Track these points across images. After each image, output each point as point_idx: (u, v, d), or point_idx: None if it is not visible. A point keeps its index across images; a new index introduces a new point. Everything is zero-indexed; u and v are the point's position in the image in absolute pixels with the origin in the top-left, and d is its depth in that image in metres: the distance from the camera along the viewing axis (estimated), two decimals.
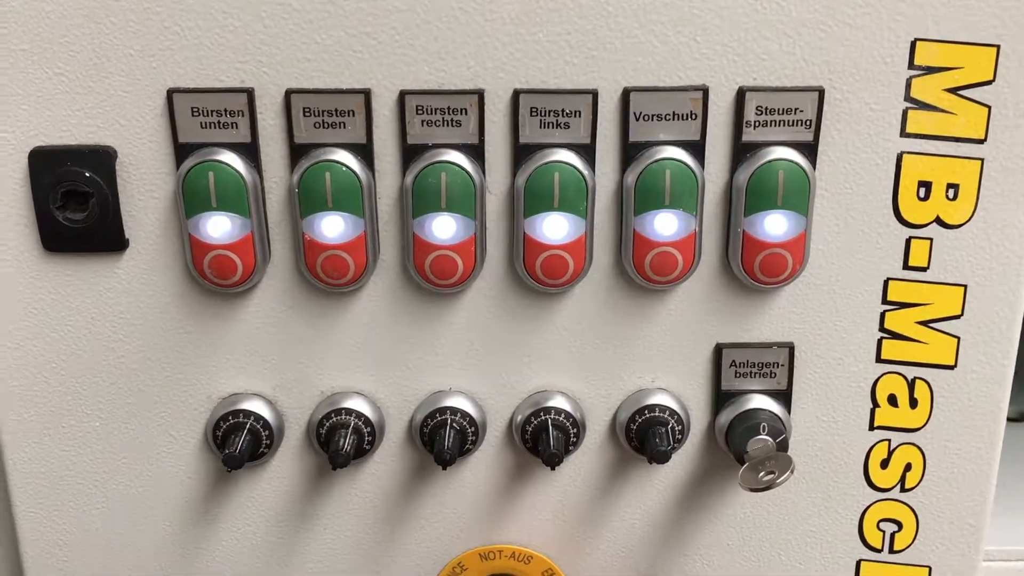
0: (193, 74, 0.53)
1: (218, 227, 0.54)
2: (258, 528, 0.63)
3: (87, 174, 0.54)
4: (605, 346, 0.59)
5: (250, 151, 0.54)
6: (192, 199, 0.54)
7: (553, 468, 0.57)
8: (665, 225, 0.55)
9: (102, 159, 0.54)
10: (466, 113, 0.54)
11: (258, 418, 0.59)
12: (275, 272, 0.57)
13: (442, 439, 0.58)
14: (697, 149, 0.55)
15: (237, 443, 0.57)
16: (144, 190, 0.55)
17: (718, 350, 0.59)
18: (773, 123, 0.54)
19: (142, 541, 0.63)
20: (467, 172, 0.54)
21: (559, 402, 0.60)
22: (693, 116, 0.54)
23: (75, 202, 0.55)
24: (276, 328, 0.58)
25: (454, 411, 0.59)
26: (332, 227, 0.55)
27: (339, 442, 0.58)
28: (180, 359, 0.59)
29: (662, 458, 0.57)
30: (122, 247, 0.56)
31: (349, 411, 0.59)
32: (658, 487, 0.63)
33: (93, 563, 0.63)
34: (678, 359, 0.60)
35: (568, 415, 0.59)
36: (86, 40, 0.52)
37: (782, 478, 0.55)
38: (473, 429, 0.59)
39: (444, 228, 0.55)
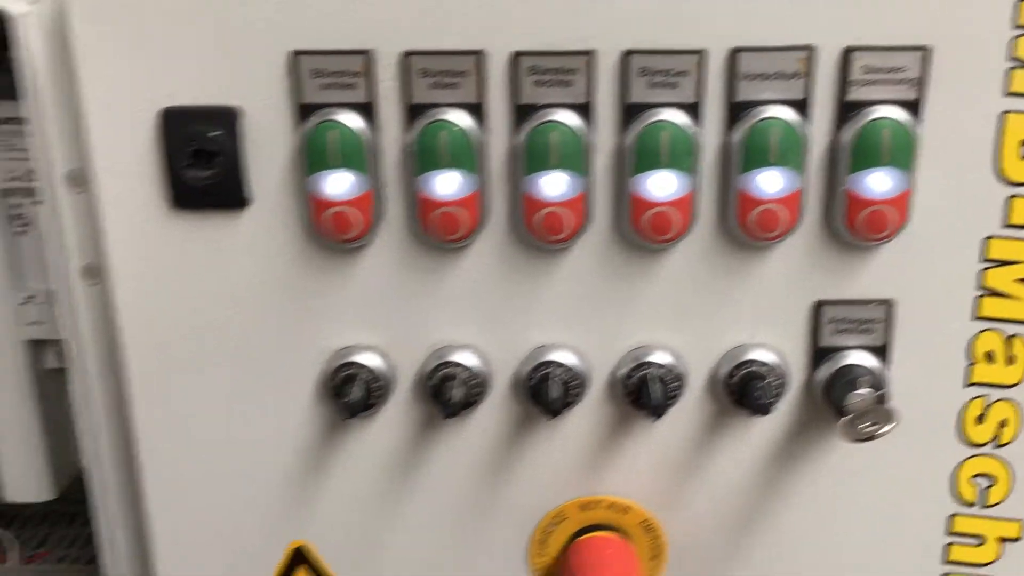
0: (315, 37, 0.55)
1: (338, 184, 0.57)
2: (367, 477, 0.65)
3: (214, 133, 0.57)
4: (706, 302, 0.61)
5: (368, 111, 0.56)
6: (314, 157, 0.56)
7: (657, 418, 0.59)
8: (770, 183, 0.56)
9: (229, 119, 0.56)
10: (576, 73, 0.55)
11: (370, 370, 0.61)
12: (389, 229, 0.59)
13: (548, 391, 0.60)
14: (803, 108, 0.56)
15: (354, 392, 0.60)
16: (266, 149, 0.58)
17: (817, 306, 0.61)
18: (878, 82, 0.55)
19: (258, 488, 0.65)
20: (577, 131, 0.56)
21: (660, 356, 0.61)
22: (799, 75, 0.55)
23: (201, 160, 0.57)
24: (388, 283, 0.61)
25: (558, 365, 0.61)
26: (446, 185, 0.57)
27: (449, 393, 0.60)
28: (296, 313, 0.61)
29: (764, 410, 0.59)
30: (245, 204, 0.59)
31: (457, 364, 0.61)
32: (755, 441, 0.64)
33: (214, 509, 0.66)
34: (777, 315, 0.61)
35: (670, 369, 0.61)
36: (215, 5, 0.55)
37: (884, 429, 0.56)
38: (576, 383, 0.61)
39: (554, 185, 0.56)
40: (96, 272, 0.63)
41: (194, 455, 0.65)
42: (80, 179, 0.61)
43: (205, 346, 0.62)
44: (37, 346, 0.89)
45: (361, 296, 0.61)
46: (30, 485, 0.94)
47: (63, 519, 1.11)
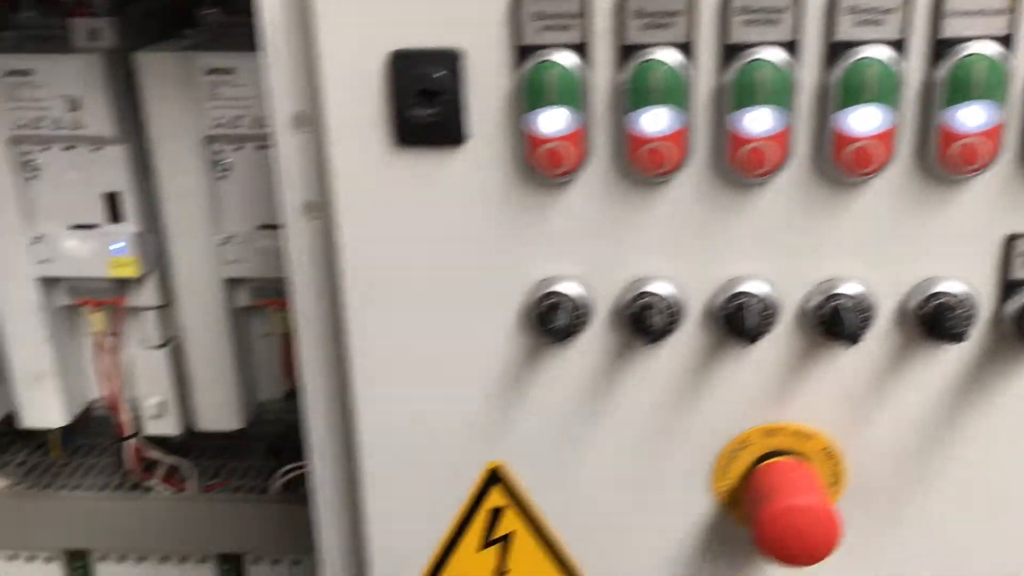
0: None
1: (553, 121, 0.60)
2: (562, 402, 0.69)
3: (439, 74, 0.61)
4: (899, 234, 0.63)
5: (583, 51, 0.60)
6: (532, 95, 0.60)
7: (853, 345, 0.62)
8: (972, 117, 0.58)
9: (452, 60, 0.61)
10: (784, 12, 0.58)
11: (572, 299, 0.65)
12: (596, 164, 0.63)
13: (745, 319, 0.63)
14: (1007, 43, 0.57)
15: (559, 319, 0.64)
16: (485, 88, 0.62)
17: (1009, 240, 0.62)
18: None
19: (460, 410, 0.70)
20: (783, 68, 0.58)
21: (851, 288, 0.64)
22: (1005, 12, 0.57)
23: (425, 99, 0.62)
24: (591, 216, 0.64)
25: (752, 295, 0.64)
26: (655, 121, 0.60)
27: (650, 320, 0.64)
28: (503, 243, 0.65)
29: (958, 339, 0.61)
30: (462, 140, 0.63)
31: (654, 294, 0.65)
32: (940, 372, 0.66)
33: (419, 431, 0.71)
34: (968, 248, 0.63)
35: (860, 299, 0.64)
36: None
37: None
38: (769, 312, 0.64)
39: (759, 122, 0.59)
40: (315, 208, 0.68)
41: (403, 380, 0.69)
42: (304, 120, 0.66)
43: (419, 275, 0.67)
44: (232, 284, 0.96)
45: (565, 228, 0.65)
46: (221, 415, 1.02)
47: (235, 452, 1.19)
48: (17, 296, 0.94)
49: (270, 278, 0.94)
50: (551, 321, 0.64)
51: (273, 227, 0.91)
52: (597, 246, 0.65)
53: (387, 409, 0.71)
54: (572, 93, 0.60)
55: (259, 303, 0.97)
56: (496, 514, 0.73)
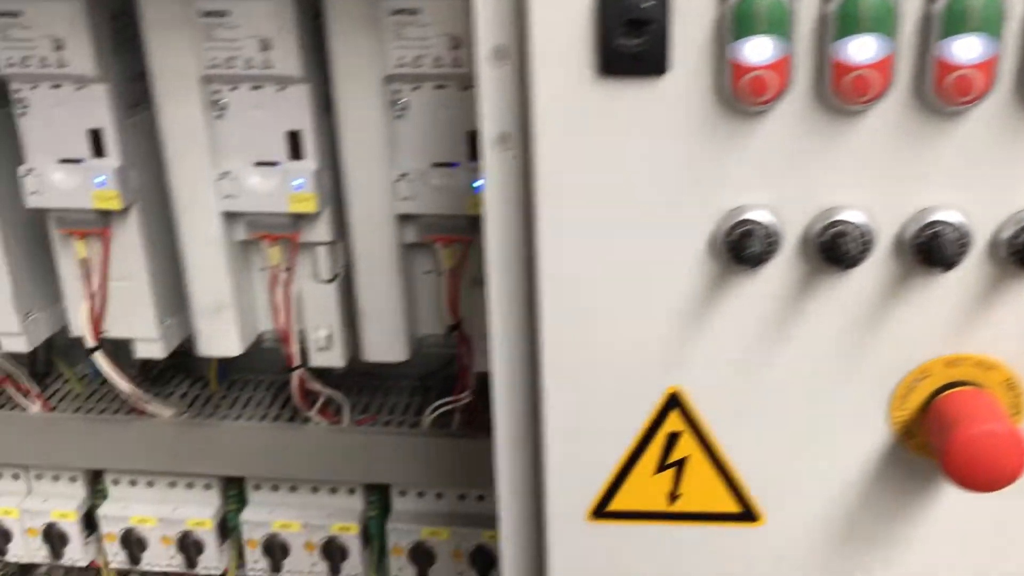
0: None
1: (759, 50, 0.62)
2: (744, 329, 0.71)
3: (648, 4, 0.63)
4: None
5: None
6: (741, 24, 0.62)
7: None
8: None
9: None
10: None
11: (764, 227, 0.67)
12: (795, 93, 0.64)
13: (942, 247, 0.64)
14: None
15: (754, 246, 0.66)
16: (690, 18, 0.63)
17: None
18: None
19: (644, 336, 0.72)
20: None
21: None
22: None
23: (633, 29, 0.64)
24: (787, 144, 0.66)
25: (946, 223, 0.65)
26: (862, 49, 0.61)
27: (845, 248, 0.65)
28: (699, 171, 0.67)
29: None
30: (664, 70, 0.65)
31: (848, 222, 0.66)
32: None
33: (603, 355, 0.73)
34: None
35: None
36: None
37: None
38: (964, 241, 0.65)
39: (969, 50, 0.60)
40: (509, 139, 0.71)
41: (591, 306, 0.72)
42: (505, 53, 0.69)
43: (613, 202, 0.69)
44: (403, 220, 1.00)
45: (761, 156, 0.66)
46: (387, 348, 1.06)
47: (388, 386, 1.24)
48: (202, 230, 1.00)
49: (438, 215, 0.98)
50: (745, 248, 0.66)
51: (447, 165, 0.94)
52: (791, 174, 0.67)
53: (573, 334, 0.73)
54: (780, 22, 0.61)
55: (426, 239, 1.00)
56: (673, 438, 0.76)
